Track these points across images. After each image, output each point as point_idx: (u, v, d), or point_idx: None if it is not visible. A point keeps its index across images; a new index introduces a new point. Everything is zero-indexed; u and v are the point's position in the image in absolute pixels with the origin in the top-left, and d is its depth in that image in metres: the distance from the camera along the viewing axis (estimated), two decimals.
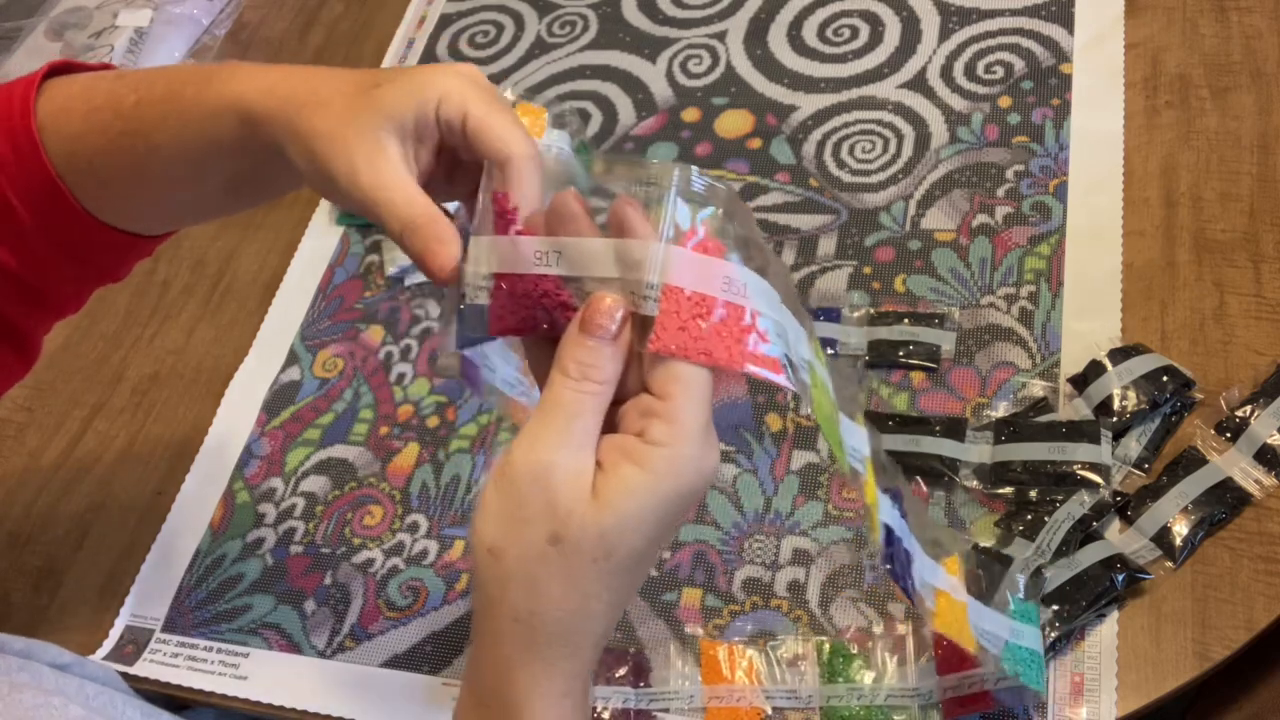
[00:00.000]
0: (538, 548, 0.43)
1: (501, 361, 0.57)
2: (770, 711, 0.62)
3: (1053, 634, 0.60)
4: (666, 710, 0.64)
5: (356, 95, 0.50)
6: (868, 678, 0.62)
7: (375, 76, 0.51)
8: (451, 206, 0.53)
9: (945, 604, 0.56)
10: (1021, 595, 0.60)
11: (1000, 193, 0.80)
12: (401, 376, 0.82)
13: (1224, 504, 0.63)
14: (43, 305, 0.61)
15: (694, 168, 0.46)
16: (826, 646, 0.64)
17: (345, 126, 0.50)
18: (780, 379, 0.45)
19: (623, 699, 0.64)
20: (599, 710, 0.64)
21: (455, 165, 0.53)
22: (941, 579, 0.57)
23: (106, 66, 0.60)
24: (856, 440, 0.52)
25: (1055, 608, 0.60)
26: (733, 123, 0.90)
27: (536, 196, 0.49)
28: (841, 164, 0.85)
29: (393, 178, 0.49)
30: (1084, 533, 0.63)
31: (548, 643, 0.44)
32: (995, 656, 0.57)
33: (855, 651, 0.63)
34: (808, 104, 0.89)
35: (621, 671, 0.65)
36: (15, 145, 0.55)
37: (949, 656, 0.61)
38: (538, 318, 0.47)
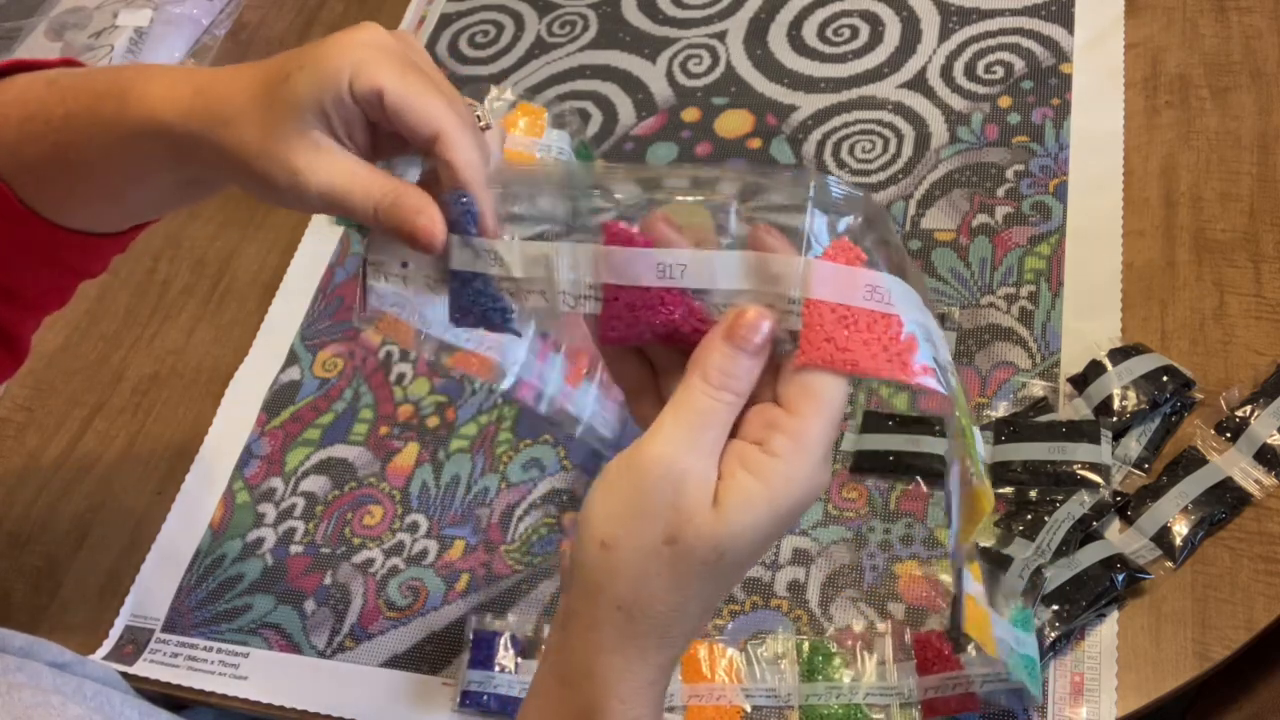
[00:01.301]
0: (653, 545, 0.44)
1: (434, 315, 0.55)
2: (750, 710, 0.62)
3: (1053, 634, 0.60)
4: None
5: (268, 97, 0.48)
6: (847, 676, 0.62)
7: (283, 67, 0.49)
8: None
9: (972, 609, 0.56)
10: (1020, 601, 0.60)
11: (1000, 193, 0.80)
12: (401, 376, 0.82)
13: (1224, 504, 0.63)
14: (19, 302, 0.60)
15: (830, 176, 0.46)
16: (806, 645, 0.64)
17: (269, 135, 0.48)
18: (933, 383, 0.45)
19: None
20: None
21: (382, 134, 0.51)
22: (971, 585, 0.57)
23: (66, 62, 0.58)
24: (979, 446, 0.51)
25: (1055, 608, 0.60)
26: (733, 123, 0.90)
27: (478, 162, 0.48)
28: (841, 164, 0.85)
29: (339, 170, 0.48)
30: (1084, 533, 0.63)
31: (645, 633, 0.45)
32: (1009, 663, 0.57)
33: (835, 650, 0.63)
34: (808, 104, 0.89)
35: None
36: None
37: (930, 657, 0.61)
38: (654, 328, 0.47)
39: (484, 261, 0.48)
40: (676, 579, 0.44)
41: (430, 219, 0.47)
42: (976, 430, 0.50)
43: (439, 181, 0.49)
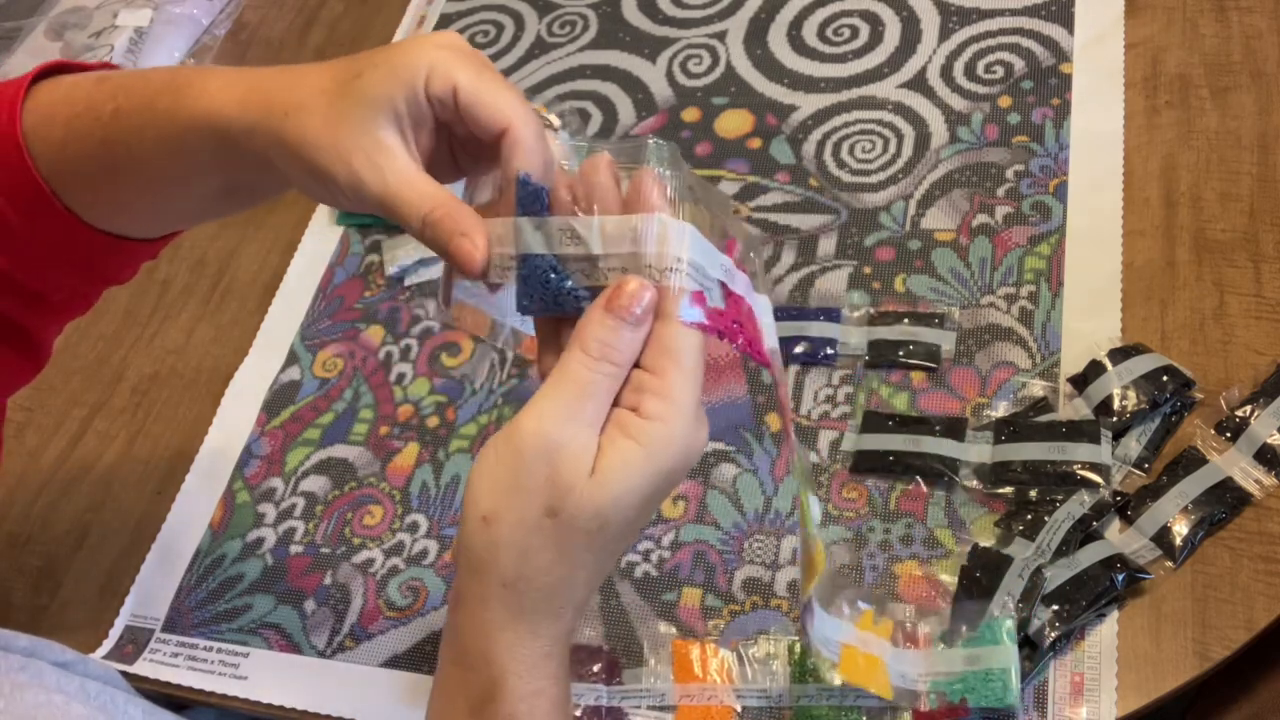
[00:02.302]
0: (534, 518, 0.44)
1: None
2: (740, 710, 0.62)
3: (1052, 634, 0.60)
4: (638, 708, 0.64)
5: (337, 92, 0.48)
6: (838, 678, 0.62)
7: (353, 66, 0.49)
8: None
9: (851, 656, 0.59)
10: (996, 612, 0.61)
11: (1000, 193, 0.80)
12: (401, 376, 0.82)
13: (1224, 504, 0.63)
14: (44, 307, 0.60)
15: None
16: (798, 646, 0.64)
17: (335, 129, 0.48)
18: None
19: (595, 696, 0.64)
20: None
21: (456, 142, 0.51)
22: (847, 634, 0.60)
23: (107, 66, 0.58)
24: (815, 509, 0.54)
25: (1055, 608, 0.60)
26: (733, 122, 0.90)
27: (541, 161, 0.48)
28: (841, 164, 0.85)
29: (398, 173, 0.48)
30: (1084, 533, 0.63)
31: (533, 607, 0.45)
32: (924, 693, 0.60)
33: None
34: (808, 104, 0.89)
35: (594, 669, 0.65)
36: (2, 150, 0.53)
37: None
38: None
39: (557, 242, 0.47)
40: (560, 551, 0.44)
41: (473, 243, 0.48)
42: (813, 498, 0.52)
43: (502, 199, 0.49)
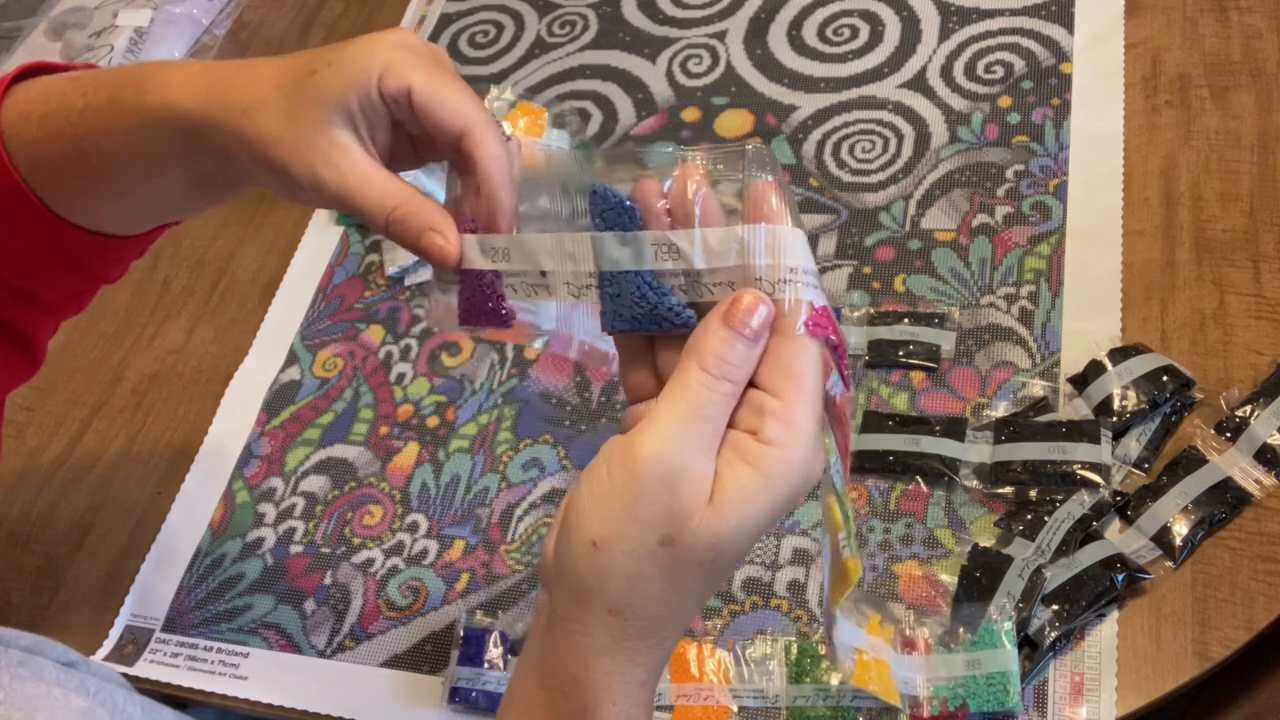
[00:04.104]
0: (648, 547, 0.42)
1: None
2: (737, 711, 0.62)
3: (1052, 634, 0.60)
4: None
5: (292, 89, 0.48)
6: (835, 678, 0.62)
7: (310, 61, 0.49)
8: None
9: (863, 663, 0.58)
10: (996, 615, 0.61)
11: (1000, 192, 0.80)
12: (401, 376, 0.82)
13: (1224, 504, 0.63)
14: (35, 305, 0.60)
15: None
16: (794, 647, 0.64)
17: (291, 126, 0.48)
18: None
19: None
20: None
21: (413, 136, 0.51)
22: (861, 640, 0.59)
23: (89, 67, 0.58)
24: (852, 518, 0.51)
25: (1055, 608, 0.60)
26: (733, 122, 0.90)
27: (504, 156, 0.48)
28: (841, 164, 0.85)
29: (357, 172, 0.48)
30: (1084, 532, 0.63)
31: (638, 635, 0.43)
32: (926, 698, 0.59)
33: (823, 652, 0.63)
34: (808, 104, 0.89)
35: None
36: None
37: None
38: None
39: (651, 257, 0.45)
40: (672, 580, 0.42)
41: (444, 237, 0.47)
42: (850, 505, 0.49)
43: (463, 197, 0.49)
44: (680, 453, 0.41)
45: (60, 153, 0.53)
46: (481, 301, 0.49)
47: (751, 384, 0.43)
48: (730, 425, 0.43)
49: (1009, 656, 0.59)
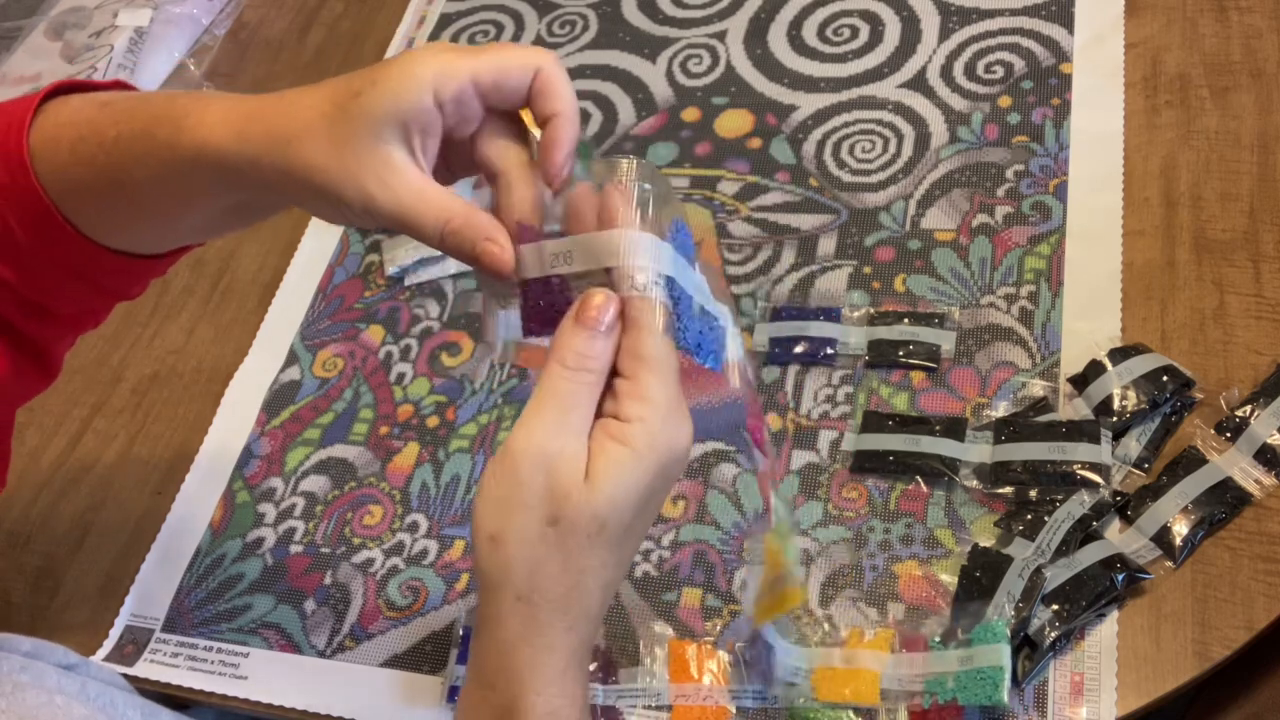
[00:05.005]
0: (537, 529, 0.46)
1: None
2: (735, 711, 0.62)
3: (1052, 634, 0.60)
4: (634, 707, 0.64)
5: (337, 114, 0.48)
6: (816, 704, 0.62)
7: (350, 85, 0.49)
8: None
9: (826, 678, 0.61)
10: (994, 615, 0.61)
11: (1000, 192, 0.80)
12: (401, 376, 0.82)
13: (1224, 504, 0.63)
14: (53, 320, 0.61)
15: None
16: (792, 639, 0.64)
17: (339, 151, 0.48)
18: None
19: (591, 695, 0.64)
20: None
21: (448, 148, 0.51)
22: (798, 657, 0.62)
23: (118, 84, 0.58)
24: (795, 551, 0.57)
25: (1055, 608, 0.60)
26: (733, 122, 0.90)
27: (572, 120, 0.50)
28: (841, 164, 0.85)
29: (410, 188, 0.49)
30: (1084, 532, 0.63)
31: (548, 620, 0.46)
32: (919, 694, 0.60)
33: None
34: (808, 104, 0.89)
35: (590, 668, 0.65)
36: (9, 170, 0.54)
37: None
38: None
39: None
40: (566, 558, 0.46)
41: (499, 245, 0.49)
42: (795, 539, 0.53)
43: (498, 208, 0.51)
44: (549, 439, 0.46)
45: (92, 178, 0.54)
46: (550, 307, 0.50)
47: (617, 375, 0.48)
48: (599, 415, 0.47)
49: (1000, 651, 0.59)
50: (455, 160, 0.53)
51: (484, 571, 0.47)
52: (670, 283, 0.49)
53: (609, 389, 0.48)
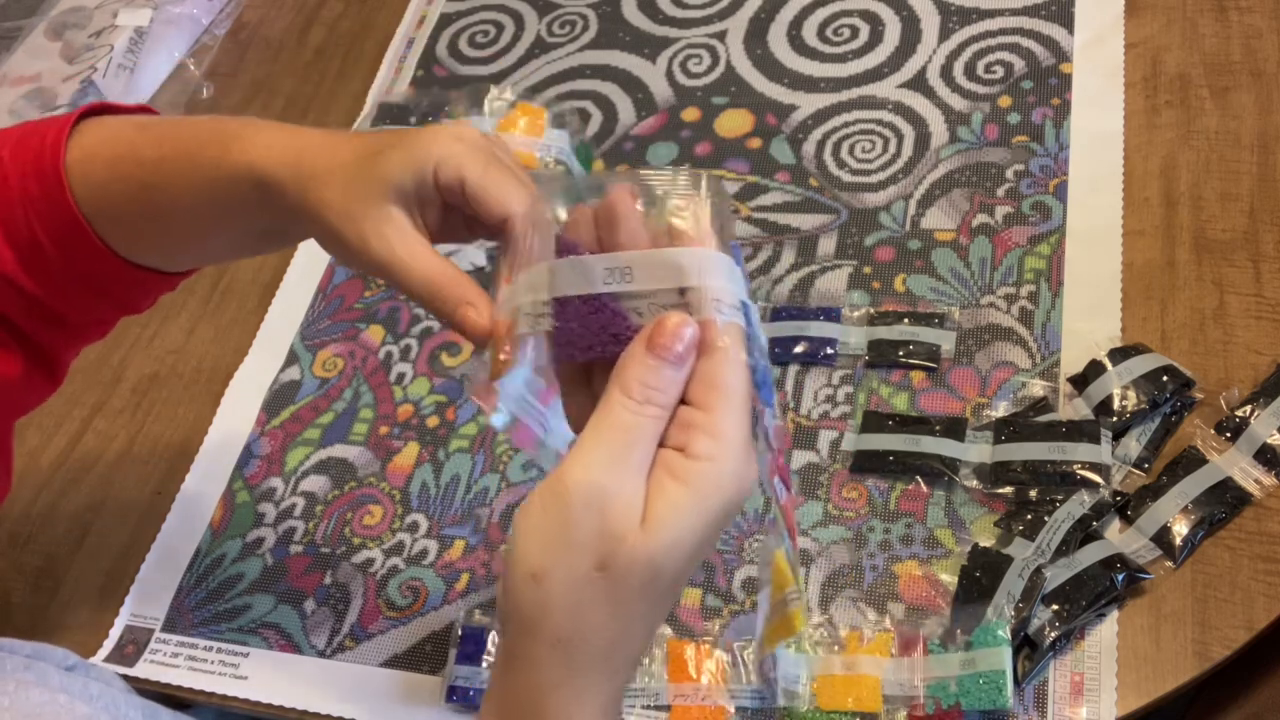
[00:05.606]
0: (585, 573, 0.42)
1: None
2: (734, 711, 0.62)
3: (1052, 634, 0.60)
4: (633, 707, 0.64)
5: (357, 166, 0.52)
6: (819, 713, 0.62)
7: (376, 143, 0.52)
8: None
9: (827, 685, 0.61)
10: (994, 617, 0.61)
11: (1000, 192, 0.80)
12: (401, 376, 0.82)
13: (1224, 504, 0.63)
14: (66, 330, 0.62)
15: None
16: (791, 649, 0.64)
17: (350, 198, 0.51)
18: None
19: None
20: None
21: (468, 214, 0.53)
22: (820, 666, 0.62)
23: (144, 109, 0.61)
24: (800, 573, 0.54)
25: (1055, 608, 0.60)
26: (733, 122, 0.90)
27: (543, 244, 0.49)
28: (841, 164, 0.85)
29: (402, 245, 0.51)
30: (1084, 532, 0.63)
31: (588, 666, 0.43)
32: (921, 698, 0.60)
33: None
34: (808, 104, 0.89)
35: None
36: (44, 185, 0.56)
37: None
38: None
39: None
40: (614, 607, 0.42)
41: (478, 312, 0.50)
42: (797, 559, 0.51)
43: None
44: (606, 477, 0.42)
45: (127, 196, 0.56)
46: (600, 329, 0.47)
47: (682, 400, 0.44)
48: (662, 444, 0.43)
49: (1003, 655, 0.59)
50: (477, 227, 0.55)
51: (519, 608, 0.43)
52: (746, 310, 0.45)
53: (675, 416, 0.43)
